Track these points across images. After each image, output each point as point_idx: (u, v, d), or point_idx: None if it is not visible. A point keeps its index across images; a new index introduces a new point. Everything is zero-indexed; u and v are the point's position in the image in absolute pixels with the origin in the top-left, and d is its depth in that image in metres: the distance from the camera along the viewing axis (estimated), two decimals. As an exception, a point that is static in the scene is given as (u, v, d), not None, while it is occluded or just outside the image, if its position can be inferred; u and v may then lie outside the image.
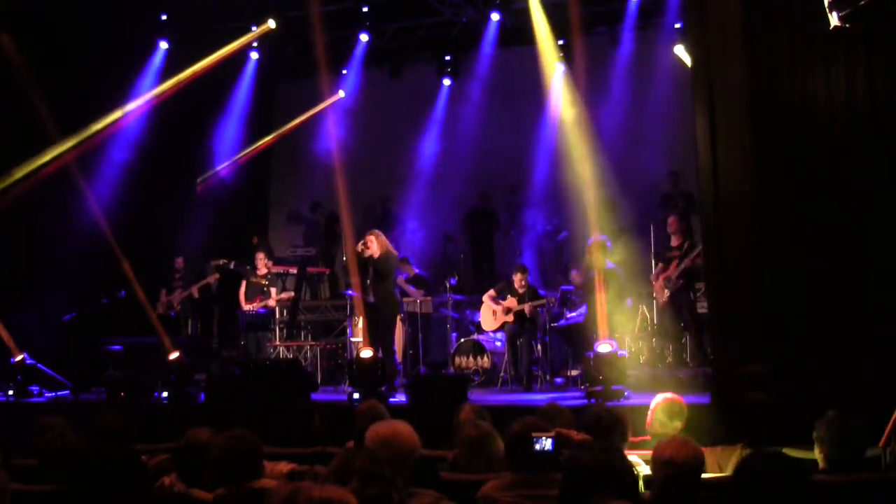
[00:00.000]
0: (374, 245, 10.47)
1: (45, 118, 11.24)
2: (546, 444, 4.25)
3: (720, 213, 8.02)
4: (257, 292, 12.32)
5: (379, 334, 10.46)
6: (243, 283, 12.53)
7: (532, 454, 4.26)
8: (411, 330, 12.34)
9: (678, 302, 10.86)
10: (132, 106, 13.14)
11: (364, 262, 10.58)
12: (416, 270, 13.19)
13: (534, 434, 4.29)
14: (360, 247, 10.53)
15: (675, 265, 10.81)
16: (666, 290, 10.89)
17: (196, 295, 13.40)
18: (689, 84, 8.85)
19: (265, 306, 12.29)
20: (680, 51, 12.47)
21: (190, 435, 4.69)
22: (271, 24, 13.91)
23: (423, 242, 14.73)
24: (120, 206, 12.81)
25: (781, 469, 3.39)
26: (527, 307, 11.21)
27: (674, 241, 11.04)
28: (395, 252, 10.90)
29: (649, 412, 5.84)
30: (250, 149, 15.31)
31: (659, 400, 5.87)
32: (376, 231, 10.82)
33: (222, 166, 14.89)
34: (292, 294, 13.51)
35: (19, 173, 11.68)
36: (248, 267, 12.82)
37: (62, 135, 11.92)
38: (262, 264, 12.50)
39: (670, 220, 11.16)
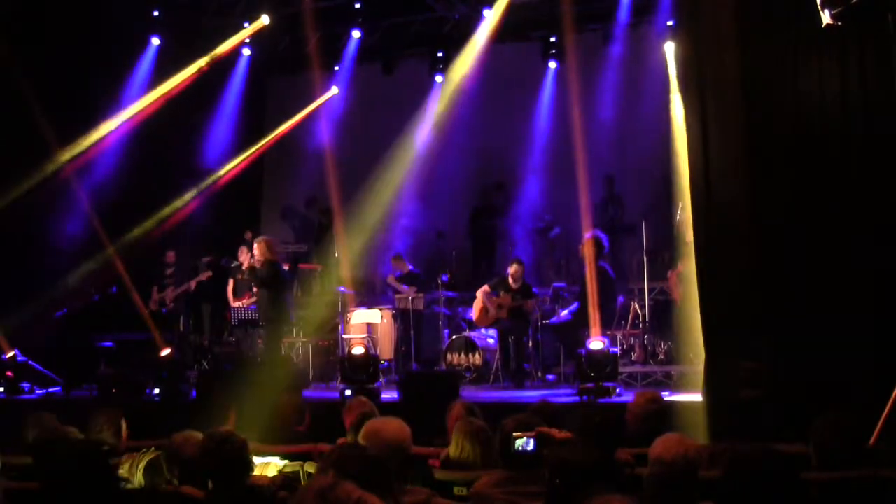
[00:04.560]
0: (257, 252, 10.96)
1: (37, 117, 11.19)
2: (528, 444, 4.27)
3: (712, 210, 8.02)
4: (245, 288, 12.31)
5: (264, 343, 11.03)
6: (231, 280, 12.54)
7: (514, 454, 4.28)
8: (403, 327, 12.34)
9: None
10: (126, 115, 13.10)
11: (252, 270, 11.11)
12: (410, 267, 13.20)
13: (515, 434, 4.31)
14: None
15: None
16: (681, 287, 10.80)
17: (192, 289, 13.36)
18: (681, 81, 8.85)
19: (255, 302, 12.27)
20: (669, 49, 12.47)
21: (176, 438, 4.68)
22: (265, 19, 13.87)
23: (415, 239, 14.73)
24: (112, 200, 12.77)
25: (772, 465, 3.40)
26: (529, 304, 11.21)
27: (688, 237, 10.82)
28: (277, 260, 11.25)
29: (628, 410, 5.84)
30: (249, 152, 15.26)
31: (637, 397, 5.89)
32: (263, 237, 11.29)
33: (221, 173, 14.84)
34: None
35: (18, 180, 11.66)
36: (235, 264, 12.81)
37: (55, 134, 11.81)
38: (246, 259, 12.50)
39: (686, 215, 10.93)
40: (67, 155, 12.12)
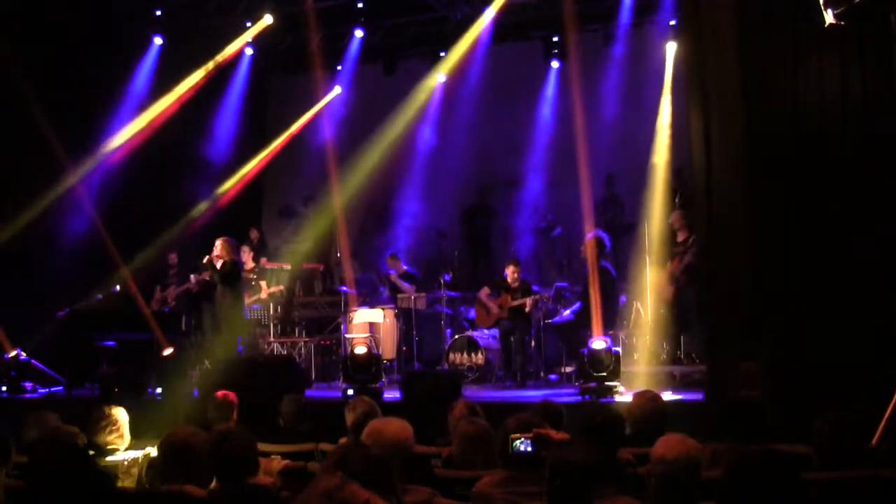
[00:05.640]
0: (220, 251, 11.16)
1: (38, 117, 11.18)
2: (526, 445, 4.28)
3: (714, 210, 8.03)
4: (246, 287, 12.33)
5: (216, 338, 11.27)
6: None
7: (512, 455, 4.29)
8: (405, 326, 12.35)
9: (682, 298, 10.76)
10: (134, 126, 13.16)
11: (213, 267, 11.27)
12: (405, 267, 13.20)
13: (513, 435, 4.32)
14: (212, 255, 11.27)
15: (677, 261, 10.72)
16: (671, 287, 10.83)
17: (194, 288, 13.37)
18: (683, 81, 8.86)
19: (257, 301, 12.29)
20: (670, 49, 12.48)
21: (171, 435, 4.70)
22: (268, 19, 13.88)
23: (417, 239, 14.74)
24: (114, 199, 12.79)
25: (772, 465, 3.40)
26: (528, 301, 11.23)
27: (679, 237, 10.92)
28: (237, 259, 11.60)
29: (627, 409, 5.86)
30: (262, 156, 15.33)
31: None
32: (224, 237, 11.41)
33: (238, 177, 14.90)
34: (282, 287, 13.53)
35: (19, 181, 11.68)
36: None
37: (57, 134, 11.76)
38: (249, 258, 12.51)
39: (674, 215, 11.04)
40: (77, 174, 12.20)
